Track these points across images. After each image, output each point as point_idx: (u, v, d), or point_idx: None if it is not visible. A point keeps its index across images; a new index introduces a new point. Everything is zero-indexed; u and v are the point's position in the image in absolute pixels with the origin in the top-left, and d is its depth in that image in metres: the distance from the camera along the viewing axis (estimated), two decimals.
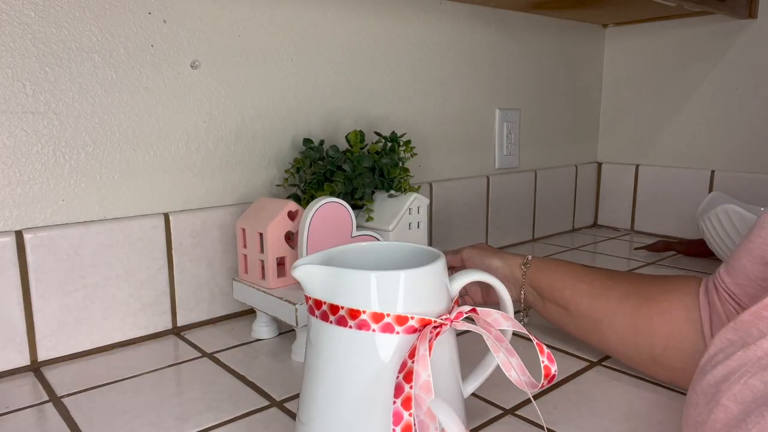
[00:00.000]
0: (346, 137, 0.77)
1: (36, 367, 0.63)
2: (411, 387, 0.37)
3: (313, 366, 0.42)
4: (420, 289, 0.40)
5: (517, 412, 0.53)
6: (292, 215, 0.66)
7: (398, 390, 0.38)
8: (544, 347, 0.43)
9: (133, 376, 0.61)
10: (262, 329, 0.71)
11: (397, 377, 0.38)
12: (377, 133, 0.79)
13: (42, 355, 0.64)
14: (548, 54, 1.18)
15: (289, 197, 0.76)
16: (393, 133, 0.78)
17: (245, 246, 0.68)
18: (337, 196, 0.70)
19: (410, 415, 0.37)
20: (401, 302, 0.39)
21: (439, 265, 0.42)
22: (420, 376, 0.38)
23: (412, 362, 0.38)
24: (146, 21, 0.68)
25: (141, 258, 0.69)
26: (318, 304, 0.41)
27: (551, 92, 1.20)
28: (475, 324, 0.42)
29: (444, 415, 0.36)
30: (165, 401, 0.56)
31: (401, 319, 0.39)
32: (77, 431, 0.51)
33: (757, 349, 0.36)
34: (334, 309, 0.40)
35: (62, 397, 0.57)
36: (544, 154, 1.22)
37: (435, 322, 0.40)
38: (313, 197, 0.72)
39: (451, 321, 0.41)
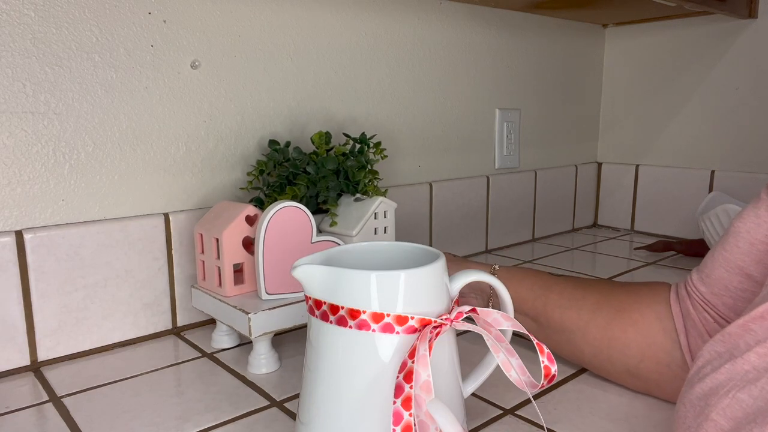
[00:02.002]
0: (311, 138, 0.74)
1: (36, 367, 0.63)
2: (411, 387, 0.37)
3: (313, 366, 0.42)
4: (420, 289, 0.40)
5: (517, 412, 0.53)
6: (250, 220, 0.64)
7: (398, 390, 0.37)
8: (544, 347, 0.43)
9: (133, 376, 0.61)
10: (223, 338, 0.68)
11: (398, 377, 0.38)
12: (345, 135, 0.77)
13: (42, 355, 0.64)
14: (548, 54, 1.18)
15: (251, 201, 0.74)
16: (362, 134, 0.76)
17: (203, 252, 0.66)
18: (300, 200, 0.68)
19: (410, 415, 0.37)
20: (401, 302, 0.39)
21: (439, 265, 0.42)
22: (420, 376, 0.38)
23: (412, 362, 0.38)
24: (146, 21, 0.68)
25: (141, 258, 0.69)
26: (318, 304, 0.41)
27: (551, 92, 1.20)
28: (475, 324, 0.42)
29: (441, 416, 0.36)
30: (165, 401, 0.56)
31: (401, 319, 0.39)
32: (77, 431, 0.51)
33: (744, 363, 0.36)
34: (334, 309, 0.40)
35: (62, 397, 0.57)
36: (544, 154, 1.22)
37: (435, 322, 0.40)
38: (276, 201, 0.69)
39: (451, 321, 0.41)
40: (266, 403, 0.55)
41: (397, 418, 0.37)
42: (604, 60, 1.31)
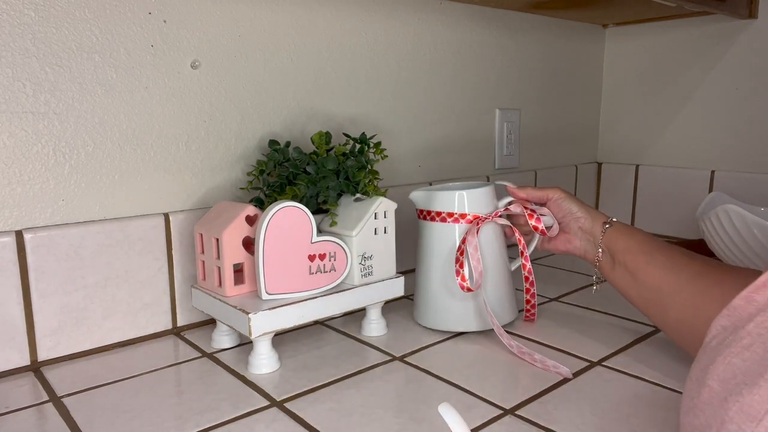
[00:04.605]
0: (311, 138, 0.74)
1: (36, 367, 0.63)
2: (462, 255, 0.67)
3: (427, 252, 0.72)
4: (474, 201, 0.70)
5: (517, 412, 0.53)
6: (250, 220, 0.64)
7: (456, 261, 0.67)
8: (534, 214, 0.70)
9: (133, 376, 0.61)
10: (223, 338, 0.68)
11: (456, 255, 0.68)
12: (345, 135, 0.76)
13: (42, 355, 0.64)
14: (548, 54, 1.18)
15: (251, 201, 0.73)
16: (362, 134, 0.75)
17: (203, 252, 0.66)
18: (300, 200, 0.67)
19: (462, 267, 0.66)
20: (466, 207, 0.69)
21: (486, 189, 0.71)
22: (471, 254, 0.67)
23: (463, 244, 0.67)
24: (146, 21, 0.68)
25: (141, 258, 0.69)
26: (428, 212, 0.71)
27: (551, 92, 1.20)
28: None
29: (450, 418, 0.36)
30: (165, 401, 0.56)
31: (464, 215, 0.69)
32: (77, 431, 0.51)
33: (744, 333, 0.36)
34: (438, 213, 0.70)
35: (62, 397, 0.57)
36: (544, 154, 1.22)
37: (481, 217, 0.69)
38: (276, 201, 0.69)
39: (491, 217, 0.69)
40: (266, 403, 0.55)
41: (456, 273, 0.66)
42: (604, 60, 1.31)
